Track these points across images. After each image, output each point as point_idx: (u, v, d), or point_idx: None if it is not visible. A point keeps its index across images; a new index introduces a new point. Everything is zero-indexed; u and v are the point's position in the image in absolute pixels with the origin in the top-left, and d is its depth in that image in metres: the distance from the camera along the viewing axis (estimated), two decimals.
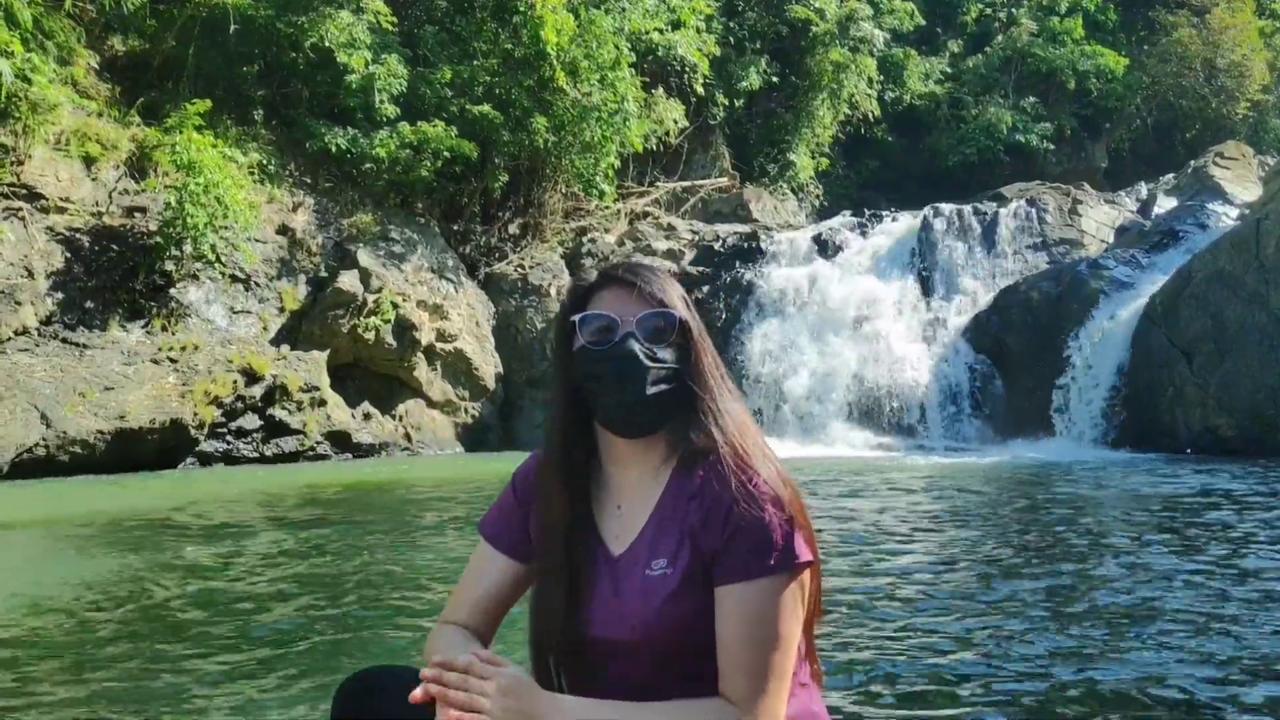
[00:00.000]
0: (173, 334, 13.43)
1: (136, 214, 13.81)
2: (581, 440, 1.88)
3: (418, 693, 1.64)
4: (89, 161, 13.64)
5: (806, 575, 1.72)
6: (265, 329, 14.48)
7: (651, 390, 1.77)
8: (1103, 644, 4.07)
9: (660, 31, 20.27)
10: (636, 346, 1.77)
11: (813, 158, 24.94)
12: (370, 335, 15.06)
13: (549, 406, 1.96)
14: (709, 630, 1.71)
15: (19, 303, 12.39)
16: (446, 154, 16.23)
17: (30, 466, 11.68)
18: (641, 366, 1.77)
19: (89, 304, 13.00)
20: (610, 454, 1.88)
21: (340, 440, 14.73)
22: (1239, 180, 19.77)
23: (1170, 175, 22.00)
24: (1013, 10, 29.16)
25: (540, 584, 1.86)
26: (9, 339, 12.21)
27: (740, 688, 1.66)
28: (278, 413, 14.04)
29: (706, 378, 1.81)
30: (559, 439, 1.88)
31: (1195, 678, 3.63)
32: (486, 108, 16.89)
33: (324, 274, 15.30)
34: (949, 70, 28.19)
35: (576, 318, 1.83)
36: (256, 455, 13.89)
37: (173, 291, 13.63)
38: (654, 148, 20.49)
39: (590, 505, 1.87)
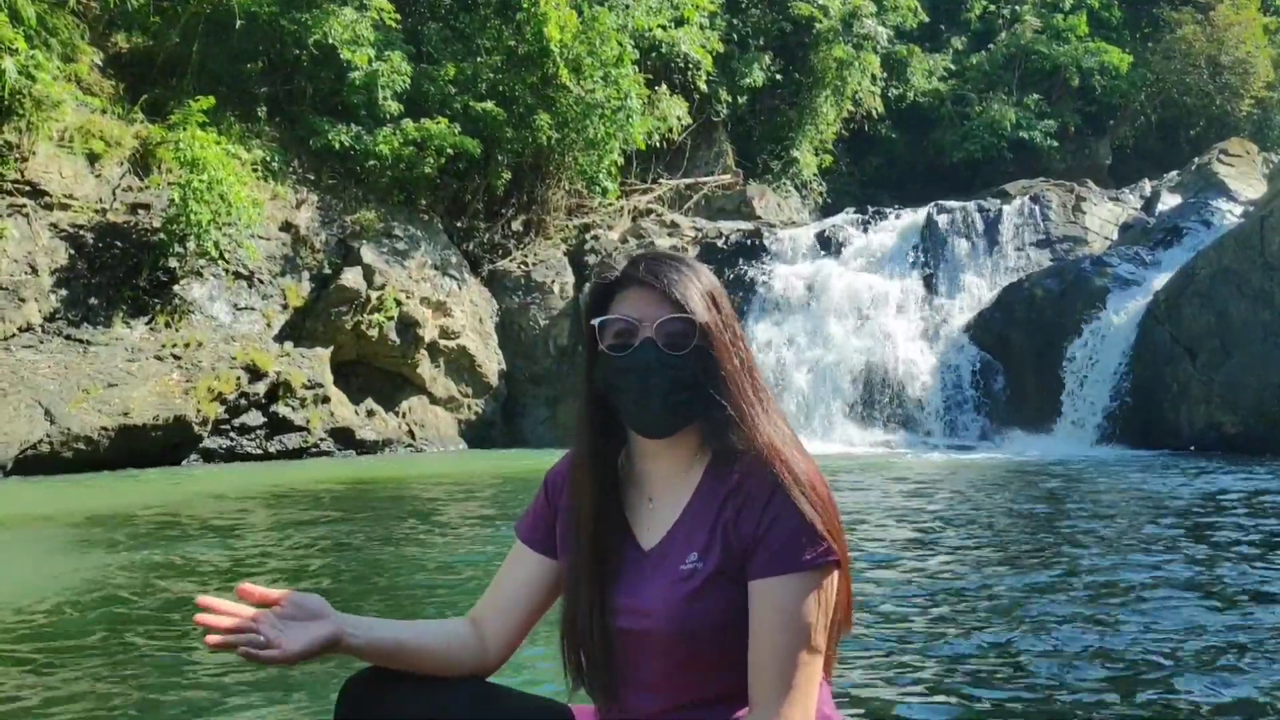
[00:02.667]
0: (176, 330, 13.45)
1: (140, 211, 13.83)
2: (610, 435, 1.87)
3: (213, 638, 1.64)
4: (93, 158, 13.66)
5: (836, 576, 1.72)
6: (269, 326, 14.49)
7: (669, 398, 1.75)
8: (1110, 645, 4.06)
9: (663, 28, 20.27)
10: (654, 354, 1.75)
11: (816, 154, 24.94)
12: (373, 332, 15.08)
13: (577, 400, 1.92)
14: (739, 626, 1.70)
15: (23, 299, 12.41)
16: (450, 151, 16.24)
17: (34, 463, 11.70)
18: (659, 374, 1.75)
19: (93, 301, 13.02)
20: (640, 449, 1.87)
21: (343, 437, 14.74)
22: (1243, 177, 19.74)
23: (1174, 172, 21.97)
24: (1016, 7, 29.12)
25: (569, 578, 1.86)
26: (13, 336, 12.23)
27: (767, 685, 1.65)
28: (281, 409, 14.06)
29: (733, 379, 1.77)
30: (587, 435, 1.87)
31: (1206, 683, 3.62)
32: (490, 104, 16.90)
33: (327, 271, 15.31)
34: (953, 67, 28.17)
35: (596, 322, 1.81)
36: (260, 452, 13.90)
37: (176, 288, 13.65)
38: (657, 145, 20.49)
39: (620, 498, 1.87)
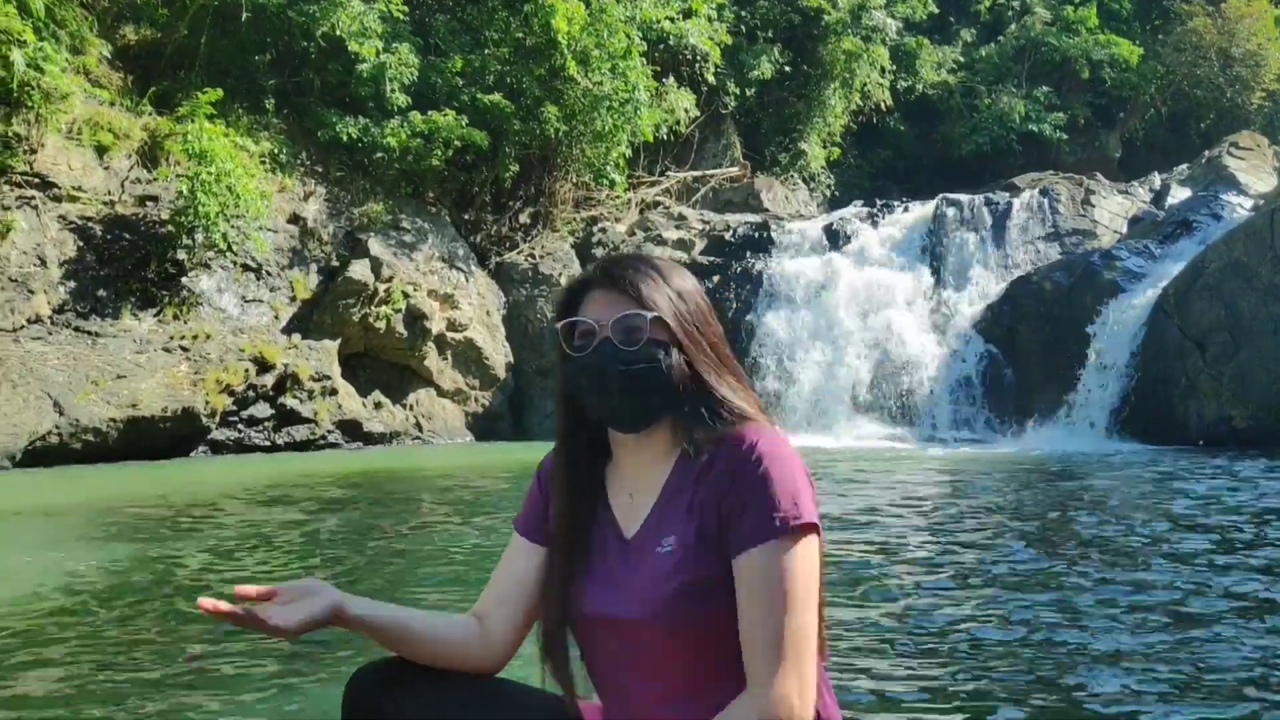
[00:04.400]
0: (185, 322, 13.48)
1: (149, 203, 13.85)
2: (584, 434, 1.93)
3: (207, 603, 1.66)
4: (101, 150, 13.69)
5: (816, 543, 1.73)
6: (277, 318, 14.51)
7: (628, 393, 1.80)
8: (1114, 645, 4.05)
9: (671, 20, 20.21)
10: (610, 351, 1.80)
11: (824, 147, 24.86)
12: (381, 324, 15.09)
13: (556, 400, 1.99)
14: (722, 607, 1.72)
15: (32, 291, 12.45)
16: (457, 143, 16.24)
17: (43, 454, 11.75)
18: (613, 371, 1.79)
19: (101, 292, 13.05)
20: (617, 444, 1.92)
21: (351, 429, 14.76)
22: (1254, 170, 19.64)
23: (1184, 165, 21.87)
24: None
25: (548, 574, 1.90)
26: (22, 327, 12.27)
27: (759, 658, 1.66)
28: (289, 401, 14.08)
29: (696, 369, 1.82)
30: (560, 434, 1.95)
31: (1214, 682, 3.61)
32: (497, 97, 16.88)
33: (335, 263, 15.33)
34: (962, 59, 28.05)
35: (561, 325, 1.87)
36: (268, 444, 13.93)
37: (184, 280, 13.67)
38: (665, 137, 20.45)
39: (605, 492, 1.92)
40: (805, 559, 1.69)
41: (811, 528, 1.71)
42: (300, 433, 14.20)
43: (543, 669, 1.90)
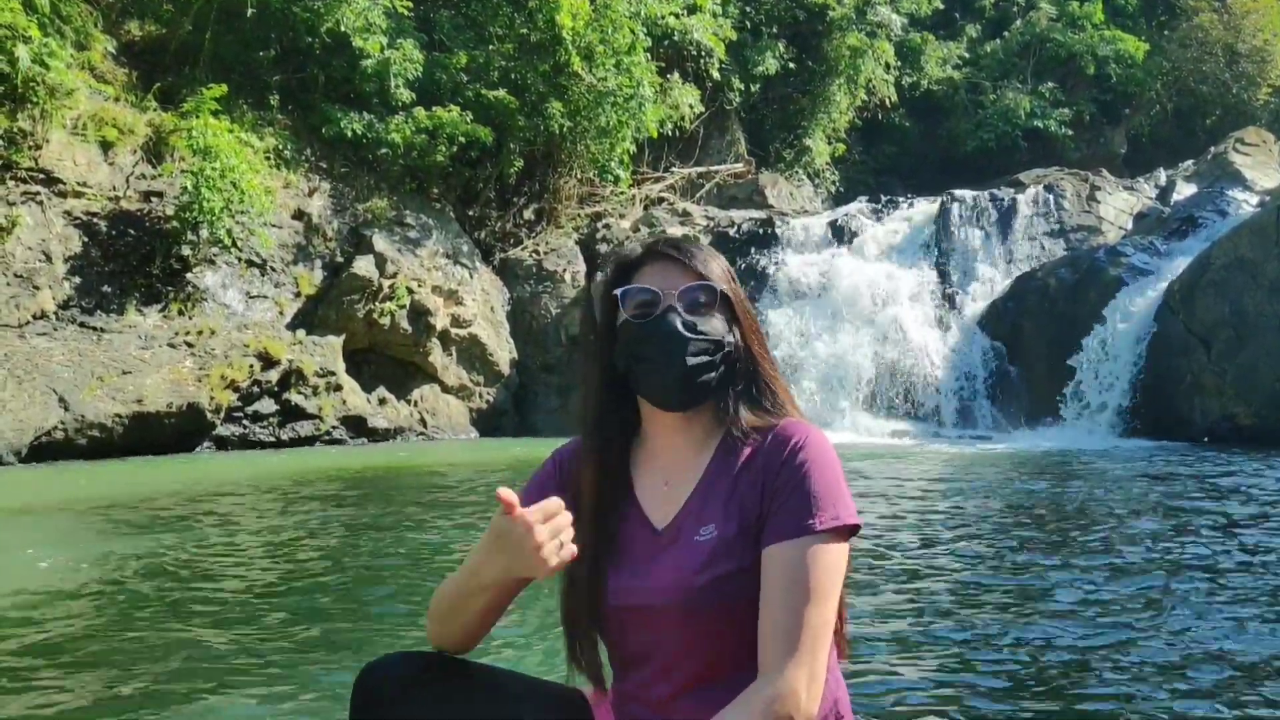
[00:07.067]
0: (189, 318, 13.49)
1: (153, 198, 13.86)
2: (620, 415, 1.90)
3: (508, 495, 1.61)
4: (106, 146, 13.69)
5: (847, 547, 1.74)
6: (281, 314, 14.52)
7: (693, 362, 1.79)
8: (1121, 641, 4.05)
9: (676, 16, 20.20)
10: (677, 319, 1.79)
11: (829, 143, 24.84)
12: (385, 320, 15.10)
13: (583, 384, 1.98)
14: (744, 599, 1.72)
15: (37, 287, 12.46)
16: (462, 139, 16.24)
17: (48, 449, 11.77)
18: (682, 339, 1.78)
19: (106, 288, 13.06)
20: (654, 428, 1.89)
21: (356, 425, 14.78)
22: (1259, 167, 19.58)
23: (1190, 161, 21.80)
24: None
25: (575, 560, 1.86)
26: (27, 323, 12.29)
27: (774, 648, 1.66)
28: (293, 397, 14.10)
29: (751, 349, 1.85)
30: (594, 415, 1.90)
31: (1217, 680, 3.61)
32: (502, 93, 16.87)
33: (339, 259, 15.34)
34: (967, 55, 28.03)
35: (619, 291, 1.85)
36: (272, 440, 13.94)
37: (189, 276, 13.68)
38: (669, 133, 20.43)
39: (633, 480, 1.90)
40: (835, 558, 1.70)
41: (847, 530, 1.72)
42: (304, 429, 14.22)
43: (569, 665, 1.89)
